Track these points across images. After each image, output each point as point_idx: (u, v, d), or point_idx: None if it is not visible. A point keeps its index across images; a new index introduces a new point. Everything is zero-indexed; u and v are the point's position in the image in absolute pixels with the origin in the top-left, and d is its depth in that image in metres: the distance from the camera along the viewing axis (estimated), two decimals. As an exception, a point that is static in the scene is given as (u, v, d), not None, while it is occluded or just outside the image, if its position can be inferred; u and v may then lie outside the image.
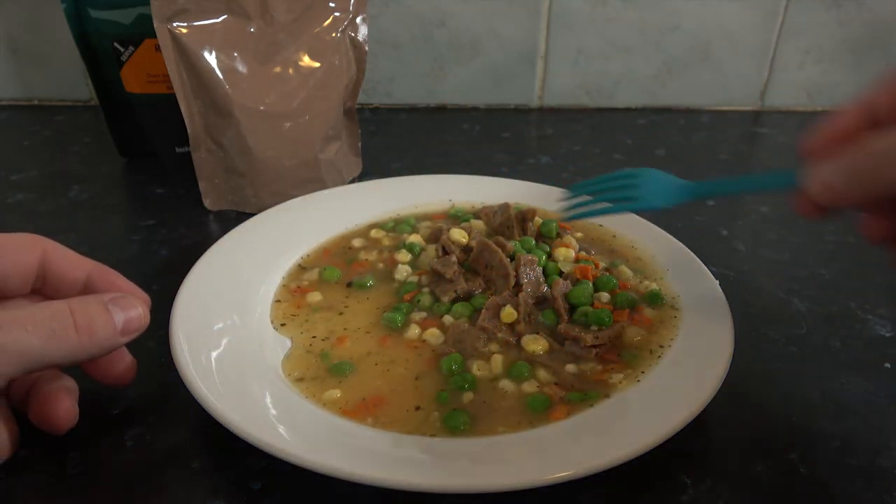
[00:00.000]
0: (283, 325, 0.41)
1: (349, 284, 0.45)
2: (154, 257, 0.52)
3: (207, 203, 0.58)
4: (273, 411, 0.34)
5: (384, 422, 0.34)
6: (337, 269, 0.46)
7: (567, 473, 0.29)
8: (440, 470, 0.31)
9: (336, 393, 0.36)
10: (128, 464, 0.33)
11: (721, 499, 0.32)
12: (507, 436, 0.34)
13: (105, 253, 0.52)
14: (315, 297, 0.44)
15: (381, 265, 0.48)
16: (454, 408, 0.35)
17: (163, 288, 0.47)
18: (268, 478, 0.33)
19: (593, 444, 0.32)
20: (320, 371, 0.38)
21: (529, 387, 0.37)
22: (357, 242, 0.50)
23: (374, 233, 0.52)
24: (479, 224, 0.50)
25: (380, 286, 0.45)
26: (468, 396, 0.36)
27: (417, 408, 0.35)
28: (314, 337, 0.40)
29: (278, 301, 0.43)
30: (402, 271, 0.46)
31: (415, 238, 0.50)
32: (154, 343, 0.42)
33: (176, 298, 0.40)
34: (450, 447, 0.33)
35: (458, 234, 0.47)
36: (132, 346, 0.41)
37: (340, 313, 0.43)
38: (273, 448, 0.30)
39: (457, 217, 0.54)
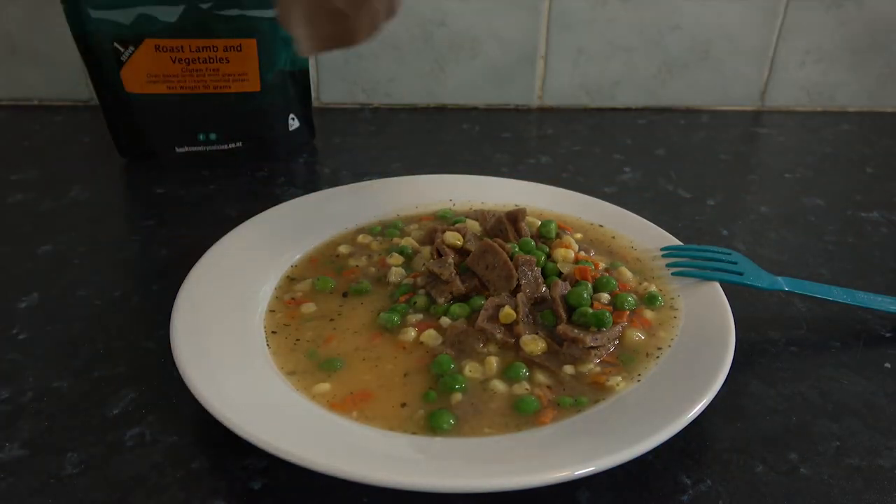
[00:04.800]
0: (273, 332, 0.41)
1: (345, 294, 0.45)
2: (154, 257, 0.52)
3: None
4: (273, 411, 0.34)
5: (369, 416, 0.34)
6: (330, 278, 0.46)
7: (565, 474, 0.29)
8: (438, 470, 0.31)
9: (325, 386, 0.36)
10: (128, 464, 0.33)
11: (721, 499, 0.32)
12: (502, 436, 0.33)
13: (105, 253, 0.52)
14: (309, 307, 0.43)
15: (372, 269, 0.48)
16: (440, 407, 0.35)
17: (163, 288, 0.47)
18: (268, 478, 0.33)
19: (593, 444, 0.32)
20: (310, 366, 0.38)
21: (519, 389, 0.37)
22: (344, 249, 0.50)
23: (361, 238, 0.51)
24: (473, 225, 0.50)
25: (373, 290, 0.45)
26: (456, 398, 0.36)
27: (403, 405, 0.35)
28: (298, 340, 0.40)
29: (272, 311, 0.43)
30: (396, 274, 0.46)
31: (406, 241, 0.49)
32: (154, 343, 0.42)
33: (176, 298, 0.40)
34: (444, 447, 0.33)
35: (453, 238, 0.46)
36: (131, 345, 0.42)
37: (331, 319, 0.42)
38: (273, 448, 0.30)
39: (445, 218, 0.54)
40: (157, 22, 0.59)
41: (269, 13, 0.62)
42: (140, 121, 0.64)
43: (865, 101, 0.89)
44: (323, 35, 0.39)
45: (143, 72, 0.61)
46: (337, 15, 0.39)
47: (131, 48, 0.60)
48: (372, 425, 0.34)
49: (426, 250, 0.48)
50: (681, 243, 0.49)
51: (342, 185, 0.57)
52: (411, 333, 0.40)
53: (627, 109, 0.88)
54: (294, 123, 0.70)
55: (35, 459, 0.34)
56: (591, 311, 0.41)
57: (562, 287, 0.43)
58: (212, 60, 0.62)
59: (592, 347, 0.39)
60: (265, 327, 0.41)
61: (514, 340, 0.40)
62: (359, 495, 0.32)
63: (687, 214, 0.61)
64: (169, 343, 0.36)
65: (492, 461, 0.32)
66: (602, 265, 0.47)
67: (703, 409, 0.33)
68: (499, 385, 0.37)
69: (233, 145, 0.67)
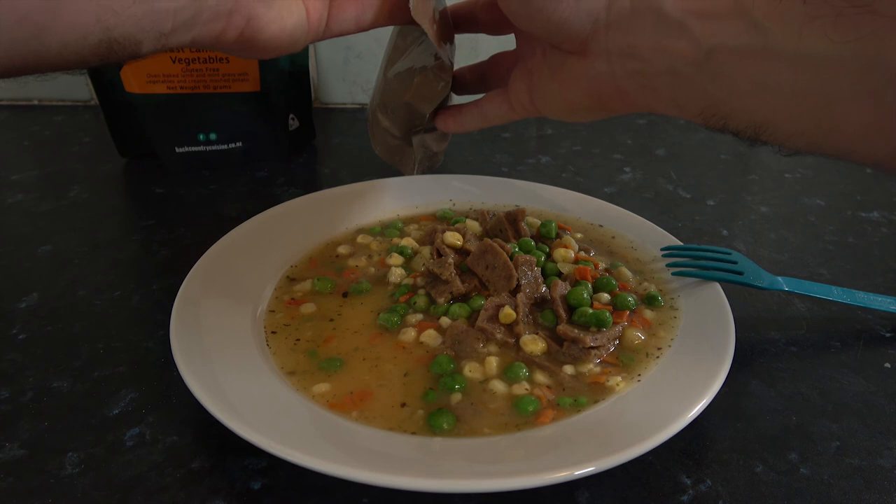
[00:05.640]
0: (273, 332, 0.41)
1: (345, 294, 0.45)
2: (154, 257, 0.52)
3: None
4: (273, 411, 0.34)
5: (369, 416, 0.34)
6: (329, 278, 0.46)
7: (565, 474, 0.29)
8: (438, 470, 0.31)
9: (325, 386, 0.36)
10: (128, 464, 0.33)
11: (721, 499, 0.32)
12: (501, 436, 0.33)
13: (105, 253, 0.52)
14: (309, 308, 0.43)
15: (372, 269, 0.48)
16: (439, 407, 0.35)
17: (163, 288, 0.47)
18: (268, 478, 0.33)
19: (593, 444, 0.32)
20: (310, 366, 0.38)
21: (519, 389, 0.37)
22: (344, 249, 0.50)
23: (361, 238, 0.51)
24: (473, 225, 0.50)
25: (373, 290, 0.45)
26: (456, 398, 0.36)
27: (403, 404, 0.35)
28: (298, 340, 0.40)
29: (272, 311, 0.43)
30: (396, 274, 0.46)
31: (406, 241, 0.49)
32: (154, 343, 0.42)
33: (176, 298, 0.40)
34: (444, 447, 0.33)
35: (453, 237, 0.46)
36: (131, 345, 0.42)
37: (331, 319, 0.42)
38: (273, 448, 0.30)
39: (445, 218, 0.54)
40: (157, 22, 0.59)
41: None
42: (140, 121, 0.64)
43: (865, 101, 0.89)
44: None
45: (143, 72, 0.61)
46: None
47: (131, 48, 0.60)
48: (372, 425, 0.34)
49: (426, 250, 0.48)
50: (681, 243, 0.49)
51: (342, 185, 0.57)
52: (411, 333, 0.40)
53: (627, 109, 0.88)
54: (294, 123, 0.70)
55: (35, 459, 0.34)
56: (591, 311, 0.41)
57: (562, 287, 0.43)
58: (212, 60, 0.62)
59: (592, 347, 0.39)
60: (265, 327, 0.41)
61: (514, 340, 0.40)
62: (359, 495, 0.32)
63: (687, 214, 0.61)
64: (169, 343, 0.36)
65: (492, 461, 0.32)
66: (602, 265, 0.47)
67: (703, 409, 0.33)
68: (499, 385, 0.37)
69: (233, 145, 0.67)
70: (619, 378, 0.37)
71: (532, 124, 0.83)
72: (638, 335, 0.40)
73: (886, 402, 0.39)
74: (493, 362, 0.38)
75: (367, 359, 0.39)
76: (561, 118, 0.43)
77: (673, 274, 0.46)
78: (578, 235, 0.51)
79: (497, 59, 0.50)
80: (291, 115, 0.69)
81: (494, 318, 0.41)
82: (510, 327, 0.41)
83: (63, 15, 0.28)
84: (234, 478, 0.33)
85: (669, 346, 0.39)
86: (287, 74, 0.67)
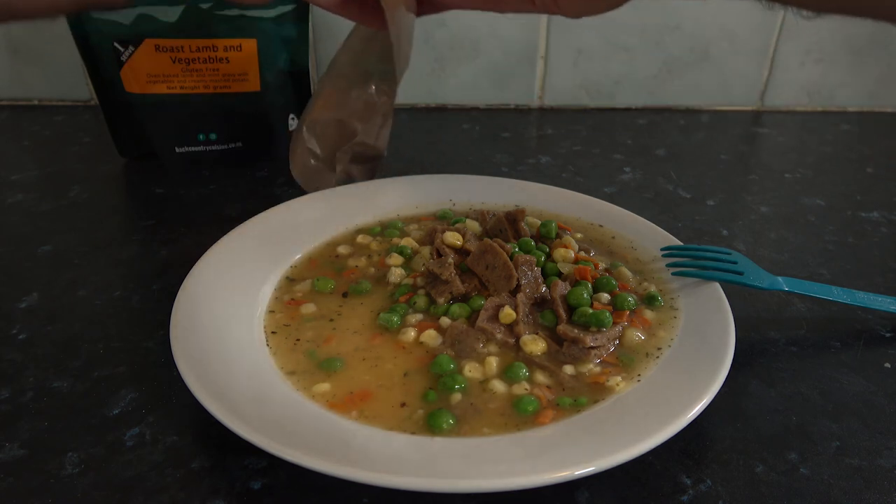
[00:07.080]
0: (273, 332, 0.41)
1: (345, 294, 0.45)
2: (154, 257, 0.52)
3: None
4: (273, 411, 0.34)
5: (368, 416, 0.34)
6: (329, 278, 0.46)
7: (565, 474, 0.29)
8: (438, 470, 0.31)
9: (325, 386, 0.36)
10: (128, 464, 0.33)
11: (721, 499, 0.32)
12: (501, 436, 0.33)
13: (105, 253, 0.52)
14: (309, 308, 0.43)
15: (371, 270, 0.48)
16: (439, 407, 0.35)
17: (163, 288, 0.47)
18: (268, 478, 0.33)
19: (593, 444, 0.32)
20: (310, 366, 0.38)
21: (518, 389, 0.37)
22: (343, 249, 0.50)
23: (360, 238, 0.51)
24: (473, 225, 0.50)
25: (373, 290, 0.45)
26: (456, 398, 0.36)
27: (403, 404, 0.35)
28: (298, 340, 0.40)
29: (272, 311, 0.43)
30: (396, 274, 0.46)
31: (406, 241, 0.49)
32: (154, 343, 0.42)
33: (176, 298, 0.40)
34: (444, 447, 0.33)
35: (453, 238, 0.46)
36: (131, 345, 0.42)
37: (331, 320, 0.42)
38: (273, 448, 0.30)
39: (445, 218, 0.54)
40: (157, 22, 0.59)
41: (269, 13, 0.62)
42: (140, 121, 0.64)
43: (865, 101, 0.89)
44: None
45: (143, 72, 0.61)
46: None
47: (131, 48, 0.60)
48: (371, 425, 0.34)
49: (426, 250, 0.48)
50: (681, 243, 0.49)
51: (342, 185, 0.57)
52: (411, 333, 0.40)
53: (627, 109, 0.88)
54: (294, 123, 0.70)
55: (35, 459, 0.33)
56: (591, 311, 0.41)
57: (562, 287, 0.43)
58: (212, 60, 0.62)
59: (592, 347, 0.39)
60: (265, 327, 0.41)
61: (514, 340, 0.40)
62: (359, 495, 0.32)
63: (687, 214, 0.61)
64: (169, 343, 0.36)
65: (492, 461, 0.32)
66: (602, 265, 0.47)
67: (703, 409, 0.33)
68: (498, 385, 0.37)
69: (233, 145, 0.67)
70: (619, 378, 0.37)
71: (532, 124, 0.83)
72: (638, 335, 0.40)
73: (886, 402, 0.39)
74: (493, 362, 0.38)
75: (367, 359, 0.39)
76: (580, 11, 0.43)
77: (673, 274, 0.46)
78: (578, 235, 0.51)
79: None
80: (291, 115, 0.69)
81: (494, 318, 0.41)
82: (510, 327, 0.41)
83: None
84: (234, 478, 0.33)
85: (669, 346, 0.39)
86: (287, 74, 0.67)
